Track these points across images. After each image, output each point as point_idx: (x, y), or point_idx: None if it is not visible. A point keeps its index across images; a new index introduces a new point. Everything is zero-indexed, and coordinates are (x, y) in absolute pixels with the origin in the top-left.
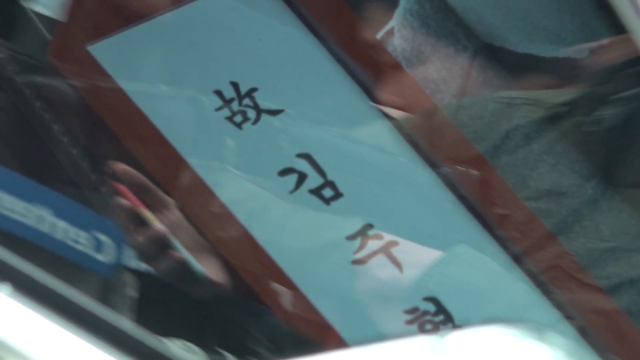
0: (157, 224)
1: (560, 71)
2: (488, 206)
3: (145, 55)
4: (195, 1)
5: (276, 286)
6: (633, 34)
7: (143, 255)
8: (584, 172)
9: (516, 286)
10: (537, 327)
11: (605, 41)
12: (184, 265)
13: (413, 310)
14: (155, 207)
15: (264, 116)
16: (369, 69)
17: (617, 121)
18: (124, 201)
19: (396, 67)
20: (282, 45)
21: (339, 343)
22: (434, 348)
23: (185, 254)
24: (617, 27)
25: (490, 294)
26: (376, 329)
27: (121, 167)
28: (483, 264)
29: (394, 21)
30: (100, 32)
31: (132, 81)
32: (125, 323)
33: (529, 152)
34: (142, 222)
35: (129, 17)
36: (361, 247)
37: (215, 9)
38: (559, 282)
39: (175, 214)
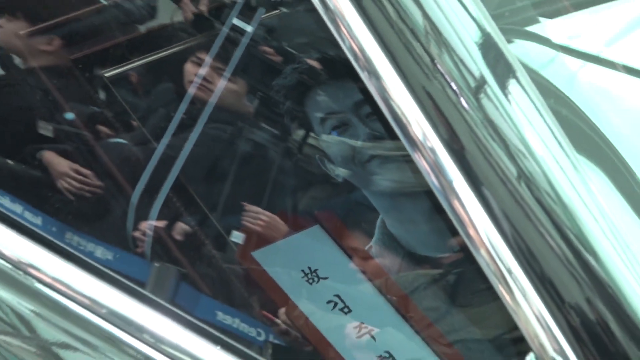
0: (282, 325)
1: None
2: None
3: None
4: None
5: (325, 345)
6: None
7: (280, 336)
8: None
9: (416, 344)
10: None
11: None
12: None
13: (380, 357)
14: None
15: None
16: None
17: None
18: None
19: None
20: None
21: None
22: None
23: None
24: None
25: (406, 348)
26: None
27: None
28: (404, 338)
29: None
30: None
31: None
32: None
33: None
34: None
35: None
36: (359, 329)
37: None
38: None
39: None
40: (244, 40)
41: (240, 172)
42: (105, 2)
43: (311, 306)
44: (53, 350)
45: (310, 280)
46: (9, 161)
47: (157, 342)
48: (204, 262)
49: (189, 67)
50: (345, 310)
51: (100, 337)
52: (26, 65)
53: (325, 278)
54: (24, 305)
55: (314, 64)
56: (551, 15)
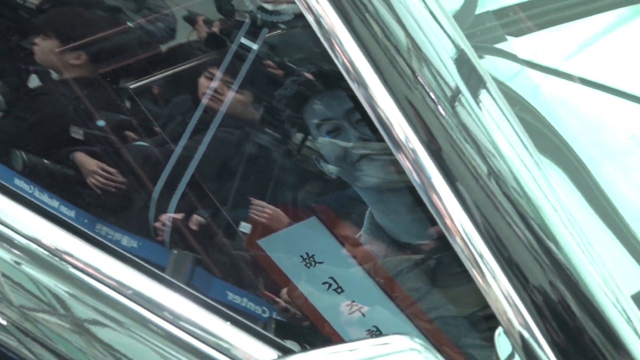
0: (283, 304)
1: None
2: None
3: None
4: None
5: (321, 321)
6: None
7: (282, 313)
8: None
9: (400, 320)
10: (411, 336)
11: None
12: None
13: (368, 331)
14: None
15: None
16: None
17: None
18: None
19: None
20: None
21: (341, 341)
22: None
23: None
24: None
25: (391, 324)
26: (356, 337)
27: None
28: (390, 314)
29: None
30: None
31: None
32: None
33: None
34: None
35: None
36: (351, 307)
37: None
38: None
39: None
40: (250, 57)
41: (247, 170)
42: (131, 24)
43: (309, 287)
44: (85, 326)
45: (308, 265)
46: (46, 161)
47: (175, 319)
48: (216, 249)
49: (202, 80)
50: (339, 290)
51: (126, 315)
52: (60, 78)
53: (321, 262)
54: (60, 287)
55: (311, 76)
56: (517, 34)
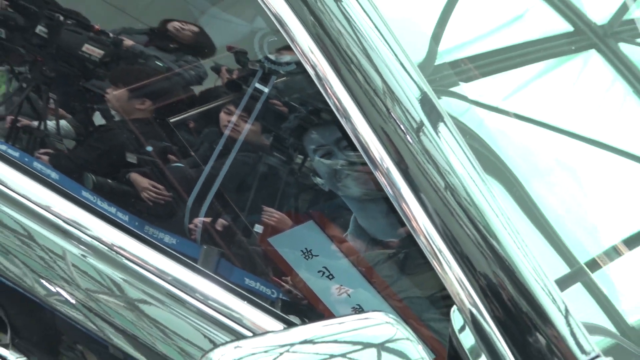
0: (288, 287)
1: None
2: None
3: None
4: None
5: (316, 300)
6: None
7: (286, 295)
8: None
9: (377, 300)
10: (386, 313)
11: None
12: (292, 296)
13: (353, 308)
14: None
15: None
16: None
17: None
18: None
19: None
20: None
21: (332, 316)
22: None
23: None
24: None
25: (371, 303)
26: (343, 313)
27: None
28: (370, 295)
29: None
30: None
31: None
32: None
33: None
34: (285, 287)
35: None
36: (339, 289)
37: None
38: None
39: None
40: (262, 98)
41: (260, 184)
42: (161, 64)
43: (307, 274)
44: (135, 304)
45: (307, 257)
46: (109, 180)
47: (205, 299)
48: (236, 245)
49: (222, 115)
50: (330, 277)
51: (166, 296)
52: (120, 117)
53: (317, 255)
54: (116, 275)
55: (309, 113)
56: (467, 80)
